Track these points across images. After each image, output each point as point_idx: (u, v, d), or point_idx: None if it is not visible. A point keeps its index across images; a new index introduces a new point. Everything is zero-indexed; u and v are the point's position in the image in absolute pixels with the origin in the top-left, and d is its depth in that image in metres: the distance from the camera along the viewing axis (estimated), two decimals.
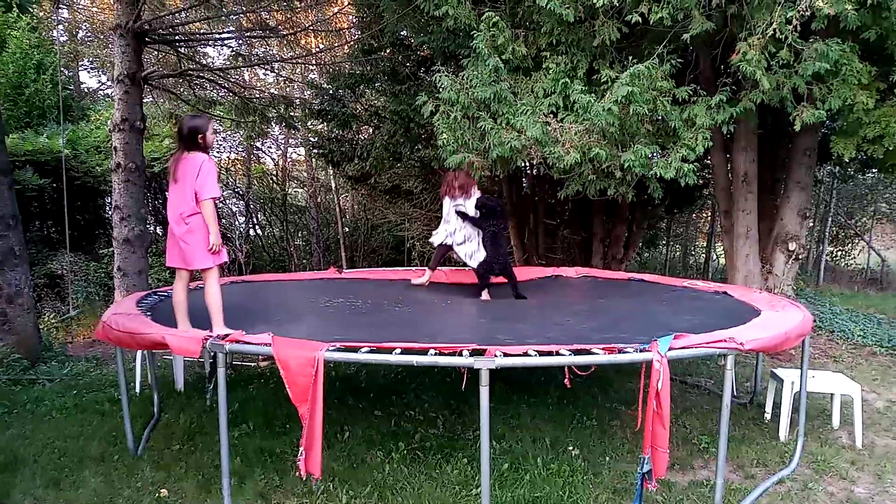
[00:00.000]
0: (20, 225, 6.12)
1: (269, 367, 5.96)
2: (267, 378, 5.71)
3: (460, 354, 3.09)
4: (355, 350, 3.21)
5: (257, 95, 10.46)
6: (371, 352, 3.20)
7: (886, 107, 5.39)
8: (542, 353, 3.12)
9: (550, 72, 5.66)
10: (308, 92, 11.98)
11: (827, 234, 13.49)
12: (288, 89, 13.71)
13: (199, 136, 3.71)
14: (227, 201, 12.96)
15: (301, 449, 3.08)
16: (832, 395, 4.80)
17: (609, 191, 6.01)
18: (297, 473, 3.12)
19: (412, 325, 4.54)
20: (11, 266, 5.95)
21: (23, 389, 5.41)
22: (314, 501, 3.51)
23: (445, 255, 6.24)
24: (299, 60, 11.58)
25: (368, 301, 5.32)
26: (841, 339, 7.64)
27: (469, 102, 5.60)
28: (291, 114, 10.31)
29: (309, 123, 11.75)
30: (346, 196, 14.67)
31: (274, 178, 14.90)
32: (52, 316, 8.07)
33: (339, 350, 3.17)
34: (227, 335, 3.41)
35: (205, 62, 10.73)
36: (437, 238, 6.10)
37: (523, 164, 7.73)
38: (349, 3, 10.67)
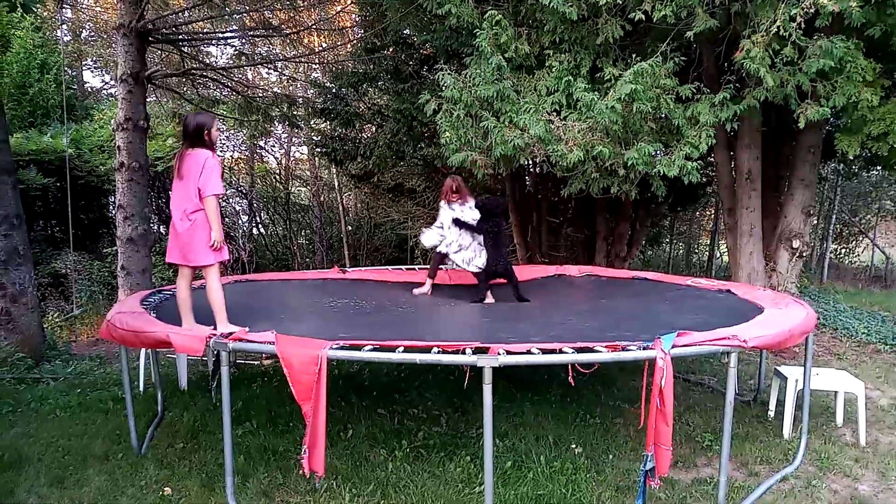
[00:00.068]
0: (24, 224, 6.15)
1: (273, 366, 5.96)
2: (270, 376, 5.72)
3: (463, 352, 3.09)
4: (358, 348, 3.20)
5: (260, 94, 10.47)
6: (374, 350, 3.20)
7: (891, 104, 5.37)
8: (545, 351, 3.12)
9: (553, 70, 5.65)
10: (311, 91, 12.02)
11: (831, 231, 13.46)
12: (291, 88, 13.73)
13: (205, 132, 3.72)
14: (231, 200, 12.98)
15: (304, 447, 3.08)
16: (836, 392, 4.78)
17: (612, 189, 6.01)
18: (301, 471, 3.12)
19: (415, 324, 4.54)
20: (15, 265, 5.98)
21: (27, 388, 5.43)
22: (317, 499, 3.51)
23: (443, 262, 6.23)
24: (302, 59, 11.58)
25: (372, 301, 5.33)
26: (845, 336, 7.61)
27: (472, 101, 5.60)
28: (294, 112, 10.32)
29: (312, 122, 11.78)
30: (350, 194, 14.69)
31: (277, 177, 14.94)
32: (56, 315, 8.10)
33: (342, 348, 3.16)
34: (230, 333, 3.41)
35: (208, 61, 10.73)
36: (425, 238, 6.05)
37: (526, 163, 7.72)
38: (352, 2, 10.67)
